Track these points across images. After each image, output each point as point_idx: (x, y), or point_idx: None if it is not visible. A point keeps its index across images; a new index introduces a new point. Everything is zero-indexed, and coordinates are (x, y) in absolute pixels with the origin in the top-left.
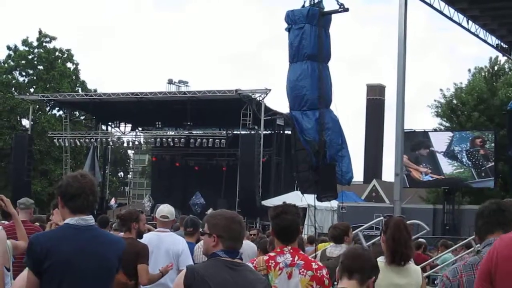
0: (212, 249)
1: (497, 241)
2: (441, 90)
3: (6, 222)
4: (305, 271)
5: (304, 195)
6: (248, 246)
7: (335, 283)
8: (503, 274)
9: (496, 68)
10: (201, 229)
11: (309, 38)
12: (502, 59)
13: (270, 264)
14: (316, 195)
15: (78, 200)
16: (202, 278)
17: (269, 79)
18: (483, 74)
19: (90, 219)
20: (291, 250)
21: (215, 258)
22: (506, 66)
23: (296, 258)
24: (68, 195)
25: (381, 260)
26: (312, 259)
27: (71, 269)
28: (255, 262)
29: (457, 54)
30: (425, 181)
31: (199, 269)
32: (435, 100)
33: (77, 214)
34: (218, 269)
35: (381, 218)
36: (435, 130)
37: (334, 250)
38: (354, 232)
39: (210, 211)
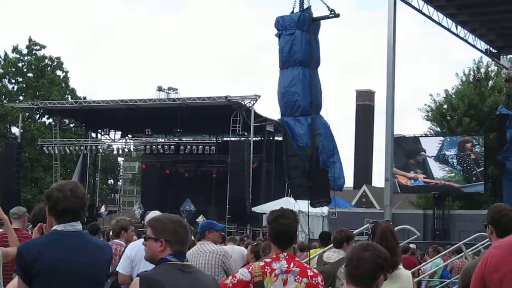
0: (159, 254)
1: (492, 246)
2: (431, 95)
3: (0, 230)
4: (300, 278)
5: (297, 201)
6: (234, 250)
7: None
8: (496, 279)
9: (482, 71)
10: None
11: (300, 44)
12: (485, 62)
13: (265, 270)
14: (309, 201)
15: (67, 216)
16: (159, 285)
17: (258, 85)
18: (471, 79)
19: (77, 225)
20: (287, 257)
21: (165, 263)
22: (490, 69)
23: (292, 264)
24: (57, 211)
25: None
26: (308, 266)
27: (60, 275)
28: (250, 268)
29: (448, 58)
30: (415, 186)
31: (154, 275)
32: (425, 105)
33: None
34: (171, 273)
35: (368, 225)
36: (425, 135)
37: (331, 255)
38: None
39: (200, 218)
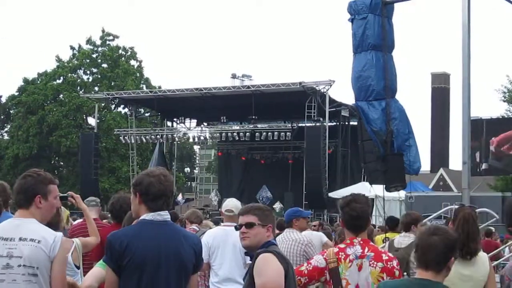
0: (266, 239)
1: None
2: (507, 76)
3: (79, 220)
4: (375, 262)
5: (373, 185)
6: (313, 236)
7: (405, 273)
8: None
9: None
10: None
11: (373, 28)
12: None
13: (340, 256)
14: (384, 186)
15: (159, 201)
16: (289, 264)
17: (333, 70)
18: None
19: (165, 215)
20: (361, 242)
21: (274, 246)
22: None
23: (366, 249)
24: (150, 195)
25: None
26: (383, 250)
27: (150, 264)
28: (325, 254)
29: None
30: (490, 169)
31: (282, 254)
32: (502, 85)
33: (153, 211)
34: (284, 256)
35: (451, 206)
36: (502, 117)
37: (402, 240)
38: (423, 221)
39: (277, 204)
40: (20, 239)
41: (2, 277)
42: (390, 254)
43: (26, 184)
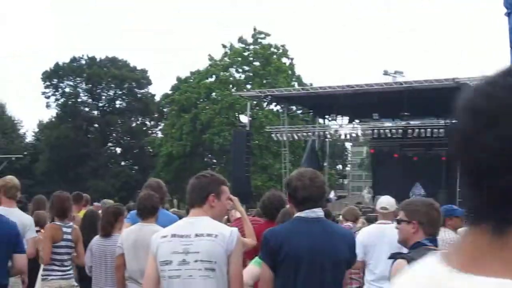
0: (412, 236)
1: None
2: None
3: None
4: None
5: None
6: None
7: None
8: None
9: None
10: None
11: None
12: None
13: None
14: None
15: (306, 205)
16: None
17: (486, 66)
18: None
19: (319, 211)
20: None
21: (423, 247)
22: None
23: None
24: (296, 199)
25: None
26: None
27: (305, 260)
28: None
29: None
30: None
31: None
32: None
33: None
34: None
35: None
36: None
37: None
38: None
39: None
40: (196, 235)
41: (178, 273)
42: None
43: (201, 184)
